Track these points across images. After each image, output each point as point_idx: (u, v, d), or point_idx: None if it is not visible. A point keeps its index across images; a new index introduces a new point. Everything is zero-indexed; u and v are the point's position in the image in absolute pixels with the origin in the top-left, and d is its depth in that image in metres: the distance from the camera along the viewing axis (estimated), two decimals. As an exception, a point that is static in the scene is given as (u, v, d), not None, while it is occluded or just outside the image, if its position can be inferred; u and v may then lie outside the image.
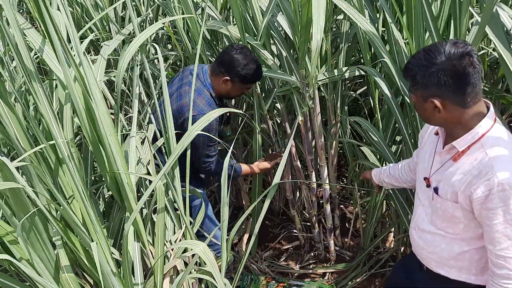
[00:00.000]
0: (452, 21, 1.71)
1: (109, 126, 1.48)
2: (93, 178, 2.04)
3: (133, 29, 2.47)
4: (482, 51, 2.31)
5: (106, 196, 2.05)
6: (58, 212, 1.52)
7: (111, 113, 2.44)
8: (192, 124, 1.92)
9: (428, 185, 1.51)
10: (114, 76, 2.87)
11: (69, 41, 1.86)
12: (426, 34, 1.80)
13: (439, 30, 1.74)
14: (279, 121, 2.95)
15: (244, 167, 2.54)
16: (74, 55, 1.49)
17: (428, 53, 1.28)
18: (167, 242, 1.75)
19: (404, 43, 2.08)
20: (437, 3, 1.93)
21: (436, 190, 1.46)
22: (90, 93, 1.44)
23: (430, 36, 1.76)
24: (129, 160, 1.76)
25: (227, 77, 2.21)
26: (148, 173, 1.84)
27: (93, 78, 1.46)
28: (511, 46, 1.65)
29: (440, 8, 1.82)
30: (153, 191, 1.68)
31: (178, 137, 1.81)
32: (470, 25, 1.98)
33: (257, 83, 2.58)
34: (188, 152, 1.80)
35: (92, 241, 1.42)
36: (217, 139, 2.20)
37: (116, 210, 1.83)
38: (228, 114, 2.49)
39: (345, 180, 3.63)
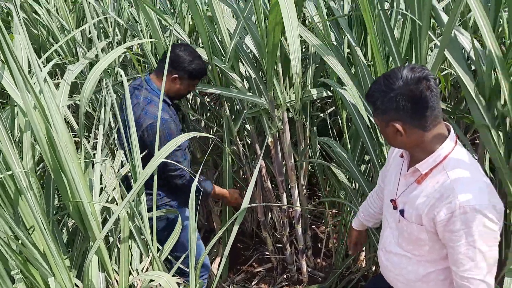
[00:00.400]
0: (413, 44, 1.75)
1: (72, 154, 1.44)
2: (57, 205, 1.98)
3: (96, 54, 2.44)
4: (445, 71, 2.38)
5: (70, 225, 1.98)
6: (17, 246, 1.46)
7: (76, 136, 2.39)
8: (151, 132, 2.01)
9: (395, 207, 1.52)
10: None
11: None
12: (389, 57, 1.84)
13: (401, 54, 1.79)
14: (249, 142, 2.95)
15: (216, 187, 2.48)
16: (35, 82, 1.45)
17: (387, 79, 1.31)
18: (133, 270, 1.70)
19: (369, 65, 2.13)
20: (398, 27, 1.99)
21: (402, 212, 1.48)
22: (50, 121, 1.40)
23: (392, 59, 1.80)
24: (93, 188, 1.71)
25: (175, 75, 2.19)
26: (114, 200, 1.80)
27: (54, 106, 1.43)
28: (470, 69, 1.71)
29: (402, 32, 1.87)
30: (118, 218, 1.63)
31: (142, 148, 1.85)
32: (432, 48, 2.04)
33: (226, 104, 2.58)
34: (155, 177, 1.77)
35: (53, 274, 1.36)
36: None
37: (80, 239, 1.77)
38: (181, 111, 2.52)
39: (317, 199, 3.64)
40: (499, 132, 1.68)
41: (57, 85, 2.20)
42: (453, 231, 1.30)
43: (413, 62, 1.80)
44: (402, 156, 1.53)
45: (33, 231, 1.54)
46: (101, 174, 1.79)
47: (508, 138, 1.67)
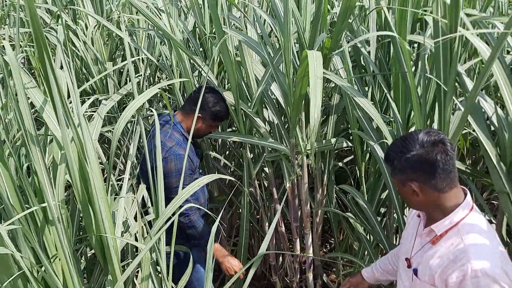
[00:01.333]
0: (436, 107, 1.80)
1: (101, 189, 1.50)
2: (77, 236, 2.02)
3: (130, 89, 2.54)
4: (464, 131, 2.42)
5: (88, 255, 2.02)
6: (40, 273, 1.50)
7: (102, 169, 2.46)
8: (164, 164, 2.04)
9: (409, 266, 1.54)
10: (107, 131, 2.91)
11: (68, 96, 1.90)
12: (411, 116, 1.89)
13: (425, 114, 1.84)
14: (266, 185, 2.98)
15: (219, 246, 2.42)
16: (74, 116, 1.53)
17: (404, 141, 1.39)
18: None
19: (390, 121, 2.18)
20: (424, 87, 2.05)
21: (415, 271, 1.49)
22: (86, 155, 1.46)
23: (415, 118, 1.85)
24: (116, 222, 1.76)
25: (199, 115, 2.29)
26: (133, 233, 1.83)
27: (90, 140, 1.50)
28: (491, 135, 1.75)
29: (425, 94, 1.93)
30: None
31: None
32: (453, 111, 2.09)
33: (247, 147, 2.64)
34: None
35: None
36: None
37: (98, 271, 1.80)
38: (200, 149, 2.58)
39: (328, 247, 3.62)
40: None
41: (88, 118, 2.30)
42: None
43: (436, 123, 1.85)
44: (419, 216, 1.56)
45: (54, 260, 1.59)
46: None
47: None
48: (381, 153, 2.04)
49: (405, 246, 1.61)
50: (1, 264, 1.30)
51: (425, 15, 2.02)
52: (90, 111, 2.45)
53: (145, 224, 1.93)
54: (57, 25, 2.95)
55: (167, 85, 3.38)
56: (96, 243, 1.61)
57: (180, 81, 2.76)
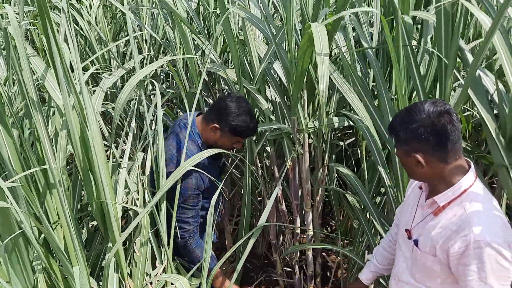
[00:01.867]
0: (438, 82, 1.80)
1: (102, 155, 1.52)
2: (78, 206, 2.05)
3: (133, 66, 2.55)
4: (468, 113, 2.41)
5: (90, 226, 2.05)
6: (41, 237, 1.52)
7: (105, 144, 2.48)
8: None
9: (409, 237, 1.54)
10: (112, 108, 2.93)
11: (72, 71, 1.91)
12: (413, 92, 1.90)
13: (425, 90, 1.83)
14: (268, 164, 2.99)
15: (220, 273, 2.21)
16: (76, 84, 1.54)
17: (409, 112, 1.37)
18: (147, 275, 1.75)
19: (392, 98, 2.18)
20: (424, 64, 2.04)
21: (416, 242, 1.49)
22: (87, 122, 1.48)
23: (417, 94, 1.85)
24: (118, 191, 1.78)
25: (216, 125, 2.04)
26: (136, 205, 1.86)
27: (91, 108, 1.51)
28: (493, 110, 1.75)
29: (427, 69, 1.92)
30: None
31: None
32: (455, 88, 2.09)
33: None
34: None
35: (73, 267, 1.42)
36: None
37: (99, 240, 1.83)
38: (223, 159, 2.29)
39: (329, 229, 3.64)
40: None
41: (91, 93, 2.31)
42: (466, 265, 1.31)
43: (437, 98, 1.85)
44: (421, 188, 1.56)
45: (56, 226, 1.61)
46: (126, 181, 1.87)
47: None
48: (372, 134, 2.05)
49: (405, 217, 1.61)
50: (1, 220, 1.32)
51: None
52: (91, 87, 2.46)
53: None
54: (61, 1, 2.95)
55: (171, 67, 3.39)
56: (97, 211, 1.64)
57: (183, 59, 2.76)
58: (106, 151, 2.25)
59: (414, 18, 2.17)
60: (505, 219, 1.37)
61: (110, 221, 1.58)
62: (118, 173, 1.85)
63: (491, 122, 1.68)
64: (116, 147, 2.14)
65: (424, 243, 1.46)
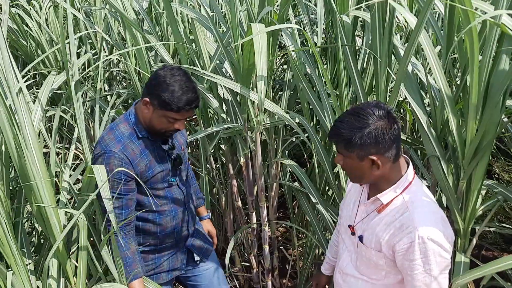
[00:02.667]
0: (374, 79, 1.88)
1: (39, 158, 1.52)
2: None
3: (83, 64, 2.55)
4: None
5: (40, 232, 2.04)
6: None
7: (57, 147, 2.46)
8: (94, 164, 1.72)
9: (353, 233, 1.59)
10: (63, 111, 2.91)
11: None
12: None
13: (364, 88, 1.91)
14: (224, 161, 3.04)
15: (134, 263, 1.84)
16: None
17: (359, 116, 1.38)
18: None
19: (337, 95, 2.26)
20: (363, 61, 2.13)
21: (360, 238, 1.54)
22: (20, 127, 1.48)
23: (355, 92, 1.93)
24: (60, 193, 1.78)
25: (147, 98, 1.76)
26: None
27: (27, 114, 1.51)
28: (424, 102, 1.84)
29: (367, 68, 2.01)
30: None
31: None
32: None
33: (201, 124, 2.68)
34: None
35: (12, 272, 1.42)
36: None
37: (48, 245, 1.83)
38: (175, 151, 1.97)
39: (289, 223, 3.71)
40: (450, 163, 1.80)
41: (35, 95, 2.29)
42: (412, 260, 1.39)
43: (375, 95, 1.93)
44: (361, 184, 1.59)
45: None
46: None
47: (456, 169, 1.79)
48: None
49: (347, 212, 1.66)
50: None
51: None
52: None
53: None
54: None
55: (125, 70, 3.37)
56: (38, 214, 1.64)
57: (136, 61, 2.76)
58: (58, 154, 2.24)
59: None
60: (442, 213, 1.46)
61: (50, 224, 1.59)
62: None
63: (423, 115, 1.77)
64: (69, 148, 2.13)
65: (369, 240, 1.51)
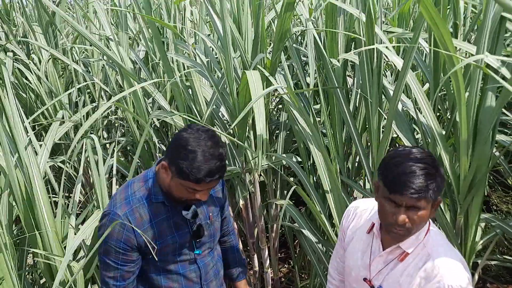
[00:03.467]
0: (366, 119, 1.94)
1: (48, 212, 1.55)
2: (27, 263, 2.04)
3: (81, 116, 2.61)
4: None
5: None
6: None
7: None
8: (99, 222, 1.57)
9: (372, 286, 1.50)
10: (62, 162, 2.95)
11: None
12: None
13: (358, 128, 1.97)
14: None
15: None
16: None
17: (424, 159, 1.29)
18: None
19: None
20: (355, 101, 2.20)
21: None
22: (30, 180, 1.52)
23: (349, 132, 1.98)
24: (67, 246, 1.80)
25: (165, 162, 1.53)
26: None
27: (35, 165, 1.55)
28: (416, 138, 1.90)
29: (359, 108, 2.07)
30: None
31: None
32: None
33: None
34: None
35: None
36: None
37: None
38: (197, 223, 1.66)
39: (292, 262, 3.69)
40: (446, 199, 1.83)
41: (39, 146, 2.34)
42: None
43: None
44: (369, 233, 1.50)
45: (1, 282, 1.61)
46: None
47: (453, 204, 1.82)
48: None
49: (355, 262, 1.54)
50: None
51: (350, 35, 2.17)
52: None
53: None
54: (6, 58, 3.00)
55: (123, 119, 3.44)
56: (45, 269, 1.65)
57: (133, 110, 2.83)
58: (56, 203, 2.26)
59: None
60: (462, 257, 1.42)
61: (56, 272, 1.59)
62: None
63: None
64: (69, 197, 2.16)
65: None
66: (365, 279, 1.50)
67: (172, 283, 1.64)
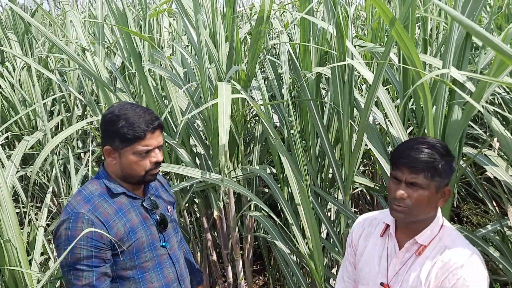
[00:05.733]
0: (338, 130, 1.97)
1: (13, 223, 1.52)
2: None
3: (53, 125, 2.57)
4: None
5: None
6: None
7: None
8: (57, 232, 1.45)
9: None
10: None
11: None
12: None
13: (330, 140, 1.99)
14: (198, 215, 3.04)
15: None
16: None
17: (440, 147, 1.33)
18: None
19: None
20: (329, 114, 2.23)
21: None
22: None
23: (322, 143, 2.00)
24: (33, 255, 1.76)
25: (106, 146, 1.50)
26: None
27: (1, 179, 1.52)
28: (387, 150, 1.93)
29: (331, 120, 2.10)
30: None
31: None
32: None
33: (174, 178, 2.69)
34: None
35: None
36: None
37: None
38: (159, 213, 1.63)
39: (267, 275, 3.68)
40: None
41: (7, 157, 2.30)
42: None
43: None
44: (382, 236, 1.49)
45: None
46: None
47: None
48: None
49: (373, 271, 1.50)
50: None
51: (321, 48, 2.20)
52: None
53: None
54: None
55: (98, 129, 3.41)
56: (10, 279, 1.61)
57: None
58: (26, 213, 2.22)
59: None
60: (479, 252, 1.41)
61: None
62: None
63: (386, 164, 1.84)
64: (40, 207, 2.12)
65: None
66: (382, 284, 1.47)
67: (152, 283, 1.55)
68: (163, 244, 1.59)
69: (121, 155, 1.48)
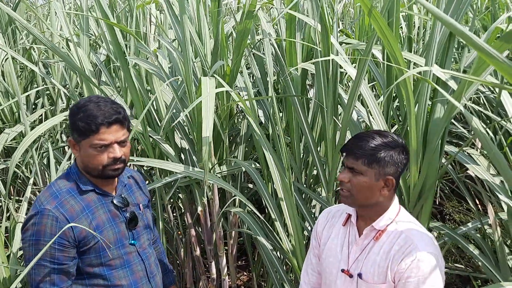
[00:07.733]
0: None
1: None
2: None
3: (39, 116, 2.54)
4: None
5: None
6: None
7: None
8: (25, 226, 1.45)
9: (351, 275, 1.51)
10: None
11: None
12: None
13: (314, 137, 1.99)
14: (183, 210, 3.02)
15: None
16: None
17: (385, 136, 1.40)
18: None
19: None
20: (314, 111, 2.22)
21: (360, 276, 1.48)
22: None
23: (305, 139, 2.00)
24: (12, 249, 1.74)
25: (70, 138, 1.50)
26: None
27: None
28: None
29: (315, 117, 2.09)
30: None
31: None
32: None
33: (158, 172, 2.67)
34: None
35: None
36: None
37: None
38: (129, 211, 1.62)
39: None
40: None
41: None
42: (411, 277, 1.37)
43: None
44: (344, 225, 1.55)
45: None
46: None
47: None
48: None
49: (335, 259, 1.55)
50: None
51: (306, 43, 2.19)
52: None
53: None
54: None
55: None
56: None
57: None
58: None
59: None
60: (431, 234, 1.48)
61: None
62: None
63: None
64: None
65: (370, 273, 1.46)
66: (342, 271, 1.52)
67: (120, 281, 1.55)
68: (132, 242, 1.59)
69: (80, 147, 1.47)
